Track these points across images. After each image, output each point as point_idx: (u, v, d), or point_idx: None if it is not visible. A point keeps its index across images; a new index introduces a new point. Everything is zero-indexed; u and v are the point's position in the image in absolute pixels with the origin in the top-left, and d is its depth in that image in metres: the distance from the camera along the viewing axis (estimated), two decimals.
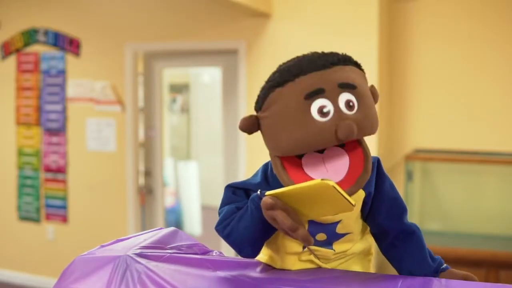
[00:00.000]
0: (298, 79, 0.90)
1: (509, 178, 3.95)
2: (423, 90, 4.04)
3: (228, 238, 1.02)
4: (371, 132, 0.93)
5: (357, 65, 0.97)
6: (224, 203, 1.06)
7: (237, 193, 1.05)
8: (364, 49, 3.75)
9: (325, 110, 0.88)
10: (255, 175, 1.06)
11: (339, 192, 0.84)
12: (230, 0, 3.57)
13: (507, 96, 3.90)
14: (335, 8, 3.85)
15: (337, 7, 3.85)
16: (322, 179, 0.84)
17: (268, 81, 0.95)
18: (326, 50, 0.98)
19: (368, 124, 0.92)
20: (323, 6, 3.89)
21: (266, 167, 1.04)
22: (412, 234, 1.05)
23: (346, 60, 0.95)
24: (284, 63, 0.96)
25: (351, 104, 0.90)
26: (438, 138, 4.00)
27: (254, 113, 0.98)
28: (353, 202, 0.86)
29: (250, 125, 0.96)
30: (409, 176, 3.96)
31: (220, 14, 4.21)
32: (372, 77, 3.74)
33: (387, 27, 3.99)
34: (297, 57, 0.96)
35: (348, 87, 0.90)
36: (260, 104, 0.95)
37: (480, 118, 3.95)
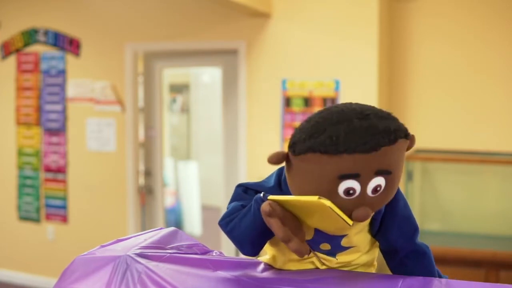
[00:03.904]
0: (342, 155, 0.86)
1: (509, 178, 3.95)
2: (423, 90, 4.04)
3: (230, 234, 1.03)
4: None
5: (406, 135, 0.92)
6: (233, 200, 1.07)
7: (248, 192, 1.06)
8: (364, 49, 3.75)
9: (351, 191, 0.88)
10: (269, 177, 1.06)
11: (335, 212, 0.85)
12: (230, 0, 3.57)
13: (507, 96, 3.90)
14: (335, 8, 3.85)
15: (337, 7, 3.85)
16: (319, 198, 0.85)
17: (312, 133, 0.88)
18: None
19: (383, 204, 0.95)
20: (323, 6, 3.88)
21: (280, 171, 1.04)
22: (423, 255, 1.05)
23: (397, 137, 0.89)
24: (337, 118, 0.88)
25: (378, 189, 0.90)
26: (438, 138, 4.00)
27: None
28: (350, 222, 0.87)
29: (279, 161, 0.93)
30: (409, 176, 3.96)
31: (220, 14, 4.21)
32: (372, 77, 3.75)
33: (387, 27, 3.99)
34: (353, 113, 0.88)
35: (384, 173, 0.89)
36: (296, 150, 0.90)
37: (480, 118, 3.95)
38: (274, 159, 0.91)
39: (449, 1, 4.00)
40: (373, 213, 0.94)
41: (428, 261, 1.05)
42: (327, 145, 0.86)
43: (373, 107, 0.91)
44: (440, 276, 1.06)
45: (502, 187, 3.99)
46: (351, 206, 0.89)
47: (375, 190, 0.90)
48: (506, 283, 0.96)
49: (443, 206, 4.04)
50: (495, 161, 3.78)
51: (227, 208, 1.06)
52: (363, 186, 0.88)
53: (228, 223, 1.03)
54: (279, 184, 1.03)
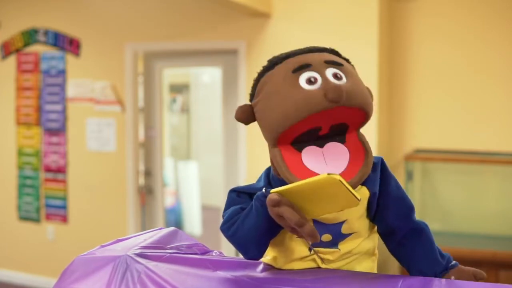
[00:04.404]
0: (286, 60, 0.95)
1: (509, 178, 3.95)
2: (423, 90, 4.04)
3: (233, 238, 1.02)
4: (362, 104, 0.94)
5: (347, 60, 1.01)
6: (228, 205, 1.05)
7: (241, 196, 1.05)
8: (364, 49, 3.75)
9: (312, 79, 0.91)
10: (259, 180, 1.06)
11: (346, 187, 0.84)
12: (230, 0, 3.57)
13: (507, 96, 3.90)
14: (335, 8, 3.85)
15: (337, 7, 3.85)
16: (328, 174, 0.84)
17: (259, 71, 1.00)
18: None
19: (358, 93, 0.94)
20: (323, 6, 3.89)
21: (268, 171, 1.04)
22: (421, 232, 1.05)
23: (334, 52, 0.99)
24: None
25: (338, 75, 0.93)
26: (438, 138, 4.00)
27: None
28: (358, 197, 0.86)
29: (245, 114, 0.98)
30: (409, 176, 3.96)
31: (220, 14, 4.21)
32: (372, 77, 3.75)
33: (387, 27, 3.99)
34: None
35: (334, 63, 0.95)
36: (253, 92, 0.99)
37: (480, 118, 3.95)
38: (238, 113, 0.98)
39: (449, 1, 3.99)
40: (360, 135, 0.98)
41: (427, 239, 1.04)
42: (271, 61, 0.97)
43: None
44: (441, 253, 1.06)
45: (502, 187, 3.99)
46: (322, 91, 0.90)
47: (335, 76, 0.92)
48: (506, 283, 0.97)
49: (443, 206, 4.04)
50: (495, 161, 3.78)
51: (223, 215, 1.05)
52: (321, 74, 0.92)
53: (230, 227, 1.01)
54: (269, 184, 1.03)
